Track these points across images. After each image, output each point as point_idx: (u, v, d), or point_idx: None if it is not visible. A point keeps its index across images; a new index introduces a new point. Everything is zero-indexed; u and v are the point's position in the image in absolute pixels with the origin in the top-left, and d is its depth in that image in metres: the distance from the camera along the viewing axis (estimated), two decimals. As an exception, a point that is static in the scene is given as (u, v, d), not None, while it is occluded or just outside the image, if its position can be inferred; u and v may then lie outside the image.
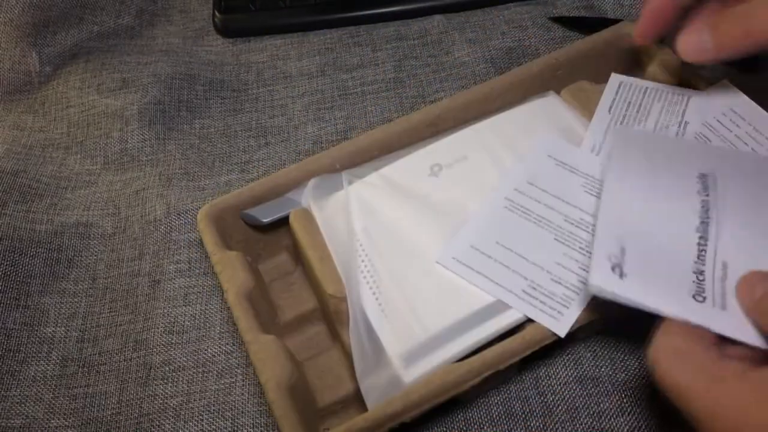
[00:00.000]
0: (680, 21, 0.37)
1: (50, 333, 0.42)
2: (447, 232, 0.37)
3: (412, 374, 0.33)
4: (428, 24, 0.56)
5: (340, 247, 0.37)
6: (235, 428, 0.37)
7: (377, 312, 0.35)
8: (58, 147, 0.52)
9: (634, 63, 0.46)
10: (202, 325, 0.41)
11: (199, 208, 0.41)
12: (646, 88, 0.42)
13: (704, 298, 0.31)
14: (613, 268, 0.32)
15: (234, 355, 0.39)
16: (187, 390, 0.39)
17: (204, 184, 0.48)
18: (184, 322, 0.41)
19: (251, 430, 0.37)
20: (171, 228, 0.45)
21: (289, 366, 0.33)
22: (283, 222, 0.39)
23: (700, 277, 0.31)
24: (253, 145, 0.50)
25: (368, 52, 0.55)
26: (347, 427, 0.31)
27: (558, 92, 0.43)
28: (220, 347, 0.40)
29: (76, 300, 0.44)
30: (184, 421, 0.37)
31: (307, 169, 0.40)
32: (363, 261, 0.36)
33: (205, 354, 0.40)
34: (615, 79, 0.43)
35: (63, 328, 0.42)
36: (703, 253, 0.32)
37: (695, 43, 0.35)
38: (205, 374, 0.39)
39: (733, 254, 0.32)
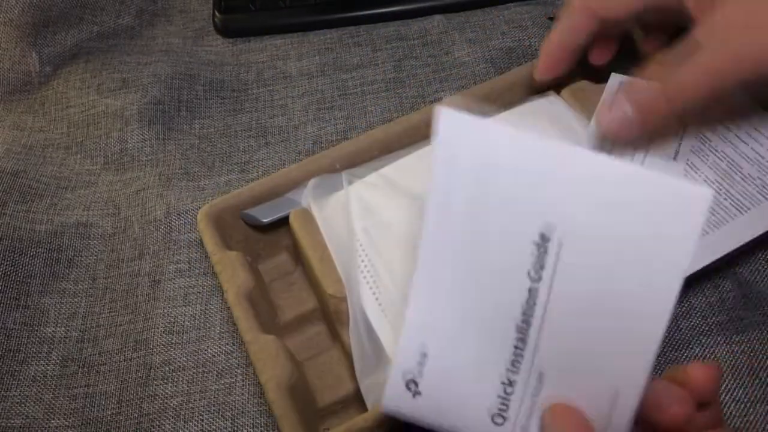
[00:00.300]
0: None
1: (50, 333, 0.42)
2: None
3: None
4: (428, 24, 0.56)
5: (340, 247, 0.37)
6: (235, 428, 0.37)
7: (377, 312, 0.35)
8: (58, 147, 0.52)
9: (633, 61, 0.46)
10: (202, 325, 0.41)
11: (199, 208, 0.41)
12: None
13: (504, 419, 0.26)
14: (407, 385, 0.27)
15: (234, 355, 0.39)
16: (187, 390, 0.39)
17: (204, 184, 0.48)
18: (184, 322, 0.41)
19: (251, 429, 0.37)
20: (171, 228, 0.45)
21: (289, 366, 0.33)
22: (283, 222, 0.39)
23: (508, 390, 0.26)
24: (253, 145, 0.50)
25: (368, 52, 0.55)
26: (347, 426, 0.31)
27: (558, 92, 0.43)
28: (220, 347, 0.40)
29: (76, 300, 0.44)
30: (184, 421, 0.37)
31: (307, 169, 0.40)
32: (363, 261, 0.36)
33: (205, 354, 0.40)
34: (615, 78, 0.43)
35: (63, 328, 0.42)
36: (519, 358, 0.26)
37: (618, 119, 0.34)
38: (205, 374, 0.39)
39: (553, 360, 0.25)
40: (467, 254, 0.26)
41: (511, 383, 0.26)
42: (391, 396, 0.27)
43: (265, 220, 0.39)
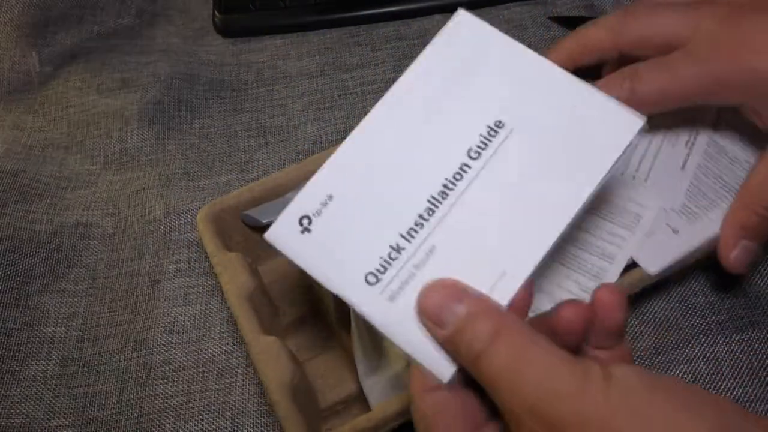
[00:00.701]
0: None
1: (50, 333, 0.42)
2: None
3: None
4: (428, 24, 0.56)
5: None
6: (236, 428, 0.37)
7: None
8: (58, 147, 0.52)
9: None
10: (202, 324, 0.41)
11: (199, 208, 0.41)
12: None
13: (377, 280, 0.25)
14: (300, 220, 0.27)
15: (234, 354, 0.39)
16: (188, 390, 0.39)
17: (204, 184, 0.48)
18: (184, 321, 0.41)
19: (251, 429, 0.37)
20: (171, 228, 0.45)
21: (291, 367, 0.33)
22: None
23: (393, 255, 0.26)
24: (253, 145, 0.50)
25: (368, 52, 0.55)
26: (351, 426, 0.31)
27: None
28: (220, 347, 0.40)
29: (76, 300, 0.44)
30: (185, 421, 0.37)
31: (307, 170, 0.40)
32: None
33: (205, 354, 0.40)
34: None
35: (63, 328, 0.42)
36: (417, 226, 0.26)
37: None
38: (206, 374, 0.39)
39: (451, 236, 0.26)
40: (419, 115, 0.28)
41: (398, 249, 0.26)
42: (279, 227, 0.27)
43: (264, 221, 0.39)
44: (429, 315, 0.24)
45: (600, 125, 0.27)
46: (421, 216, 0.26)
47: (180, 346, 0.40)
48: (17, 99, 0.55)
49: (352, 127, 0.51)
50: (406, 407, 0.31)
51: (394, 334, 0.25)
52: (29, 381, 0.40)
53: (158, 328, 0.41)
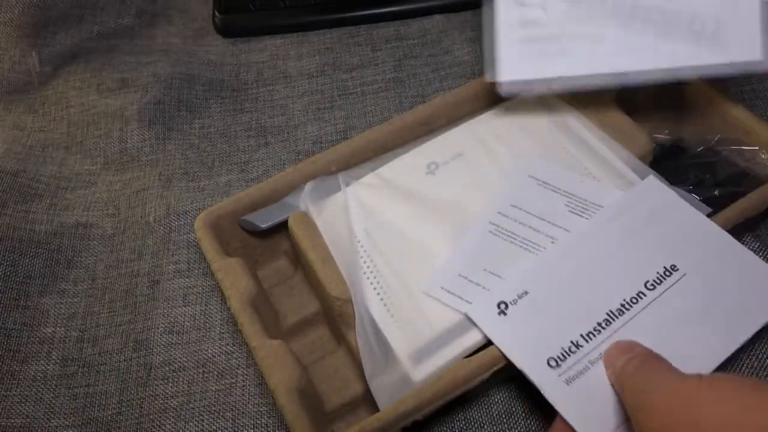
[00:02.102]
0: None
1: (50, 333, 0.42)
2: (447, 230, 0.37)
3: (421, 372, 0.33)
4: (428, 23, 0.56)
5: (342, 249, 0.37)
6: (236, 429, 0.37)
7: (383, 312, 0.35)
8: (58, 147, 0.52)
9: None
10: (202, 325, 0.41)
11: (199, 209, 0.41)
12: None
13: (557, 365, 0.31)
14: (499, 305, 0.34)
15: (234, 355, 0.39)
16: (188, 390, 0.39)
17: (204, 184, 0.48)
18: (184, 322, 0.41)
19: (252, 430, 0.37)
20: (170, 229, 0.45)
21: (297, 370, 0.33)
22: (281, 226, 0.39)
23: (573, 350, 0.32)
24: (253, 145, 0.50)
25: (368, 52, 0.55)
26: (361, 427, 0.31)
27: None
28: (220, 348, 0.40)
29: (75, 300, 0.44)
30: (185, 422, 0.37)
31: (304, 173, 0.40)
32: (365, 262, 0.36)
33: (205, 354, 0.40)
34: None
35: (63, 328, 0.42)
36: (595, 331, 0.32)
37: None
38: (206, 375, 0.39)
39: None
40: (612, 245, 0.35)
41: (578, 345, 0.32)
42: (479, 307, 0.34)
43: (263, 226, 0.39)
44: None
45: (753, 279, 0.34)
46: (599, 324, 0.33)
47: (180, 346, 0.40)
48: (17, 99, 0.55)
49: (351, 127, 0.51)
50: (416, 406, 0.31)
51: (565, 410, 0.30)
52: (29, 381, 0.40)
53: (158, 328, 0.41)
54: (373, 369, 0.33)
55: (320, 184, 0.40)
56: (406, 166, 0.40)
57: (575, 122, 0.41)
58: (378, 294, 0.35)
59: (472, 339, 0.33)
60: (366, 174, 0.40)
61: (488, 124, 0.42)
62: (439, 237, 0.37)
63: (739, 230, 0.38)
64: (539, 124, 0.41)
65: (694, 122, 0.43)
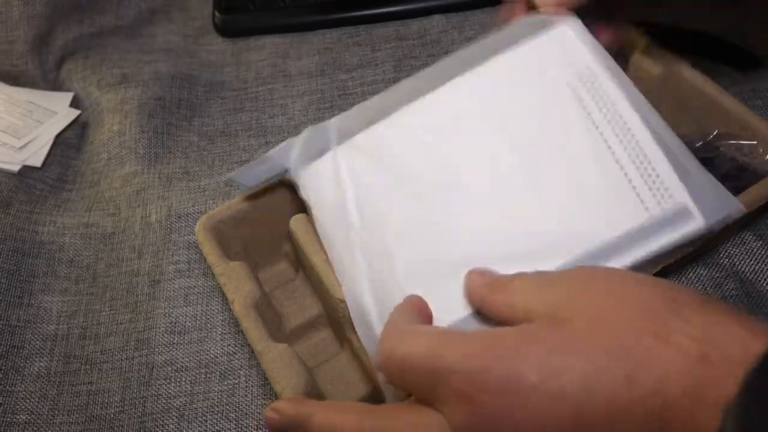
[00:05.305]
0: None
1: (53, 330, 0.43)
2: (439, 203, 0.34)
3: None
4: (428, 24, 0.56)
5: (329, 222, 0.35)
6: (240, 430, 0.37)
7: (371, 298, 0.33)
8: (60, 146, 0.52)
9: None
10: (204, 326, 0.41)
11: (200, 211, 0.41)
12: None
13: None
14: None
15: (237, 356, 0.40)
16: (191, 390, 0.39)
17: (204, 184, 0.48)
18: (185, 322, 0.42)
19: (255, 431, 0.37)
20: (171, 230, 0.46)
21: (303, 374, 0.33)
22: (281, 228, 0.39)
23: None
24: (254, 144, 0.50)
25: (368, 52, 0.55)
26: None
27: None
28: (222, 348, 0.40)
29: (77, 299, 0.44)
30: (188, 422, 0.38)
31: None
32: (354, 238, 0.34)
33: (207, 355, 0.40)
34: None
35: (65, 326, 0.43)
36: None
37: None
38: (208, 375, 0.39)
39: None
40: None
41: None
42: None
43: (250, 184, 0.38)
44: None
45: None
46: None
47: (182, 346, 0.41)
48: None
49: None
50: None
51: None
52: (33, 377, 0.41)
53: (159, 328, 0.41)
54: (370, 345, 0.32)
55: (311, 138, 0.37)
56: (402, 125, 0.36)
57: (607, 76, 0.35)
58: (369, 271, 0.33)
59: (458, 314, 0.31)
60: (360, 124, 0.37)
61: (496, 74, 0.36)
62: (429, 209, 0.34)
63: (738, 226, 0.39)
64: (562, 73, 0.36)
65: (692, 117, 0.44)
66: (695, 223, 0.30)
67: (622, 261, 0.30)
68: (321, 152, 0.37)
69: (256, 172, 0.38)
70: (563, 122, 0.34)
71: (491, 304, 0.28)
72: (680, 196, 0.30)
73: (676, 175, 0.31)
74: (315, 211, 0.36)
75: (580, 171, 0.33)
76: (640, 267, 0.30)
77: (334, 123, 0.38)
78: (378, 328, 0.31)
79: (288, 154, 0.37)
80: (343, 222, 0.35)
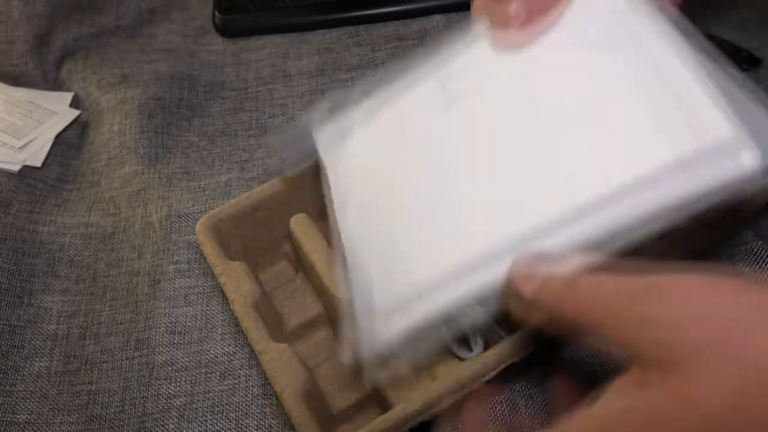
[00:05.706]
0: None
1: (53, 330, 0.43)
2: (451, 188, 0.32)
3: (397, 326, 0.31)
4: (428, 24, 0.56)
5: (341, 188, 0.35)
6: (240, 430, 0.37)
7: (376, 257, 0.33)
8: (60, 145, 0.52)
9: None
10: (204, 326, 0.41)
11: (200, 211, 0.41)
12: None
13: None
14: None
15: (237, 356, 0.40)
16: (191, 390, 0.39)
17: (204, 183, 0.48)
18: (185, 322, 0.42)
19: (257, 431, 0.37)
20: (171, 230, 0.46)
21: (304, 374, 0.33)
22: (282, 227, 0.39)
23: None
24: (254, 144, 0.50)
25: (368, 52, 0.55)
26: (369, 428, 0.31)
27: None
28: (222, 348, 0.40)
29: (77, 298, 0.44)
30: (188, 422, 0.38)
31: (304, 173, 0.40)
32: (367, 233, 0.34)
33: (207, 355, 0.40)
34: None
35: (65, 326, 0.43)
36: None
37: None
38: (208, 375, 0.39)
39: None
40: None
41: None
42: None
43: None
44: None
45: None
46: None
47: (182, 346, 0.41)
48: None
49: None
50: (423, 406, 0.31)
51: None
52: (33, 377, 0.41)
53: (159, 328, 0.41)
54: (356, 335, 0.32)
55: (333, 99, 0.37)
56: (421, 96, 0.34)
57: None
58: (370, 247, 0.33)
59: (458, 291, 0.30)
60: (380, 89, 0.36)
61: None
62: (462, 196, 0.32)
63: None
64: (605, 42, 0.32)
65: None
66: (750, 156, 0.25)
67: (661, 195, 0.26)
68: (347, 131, 0.36)
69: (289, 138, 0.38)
70: (594, 67, 0.30)
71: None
72: (729, 128, 0.25)
73: (724, 108, 0.26)
74: (329, 174, 0.35)
75: (614, 111, 0.29)
76: (685, 208, 0.26)
77: (357, 90, 0.37)
78: (379, 293, 0.31)
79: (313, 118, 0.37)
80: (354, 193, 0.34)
